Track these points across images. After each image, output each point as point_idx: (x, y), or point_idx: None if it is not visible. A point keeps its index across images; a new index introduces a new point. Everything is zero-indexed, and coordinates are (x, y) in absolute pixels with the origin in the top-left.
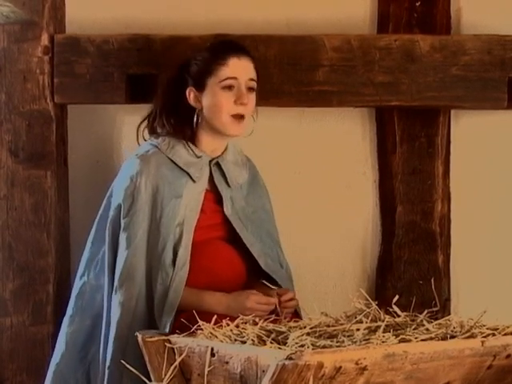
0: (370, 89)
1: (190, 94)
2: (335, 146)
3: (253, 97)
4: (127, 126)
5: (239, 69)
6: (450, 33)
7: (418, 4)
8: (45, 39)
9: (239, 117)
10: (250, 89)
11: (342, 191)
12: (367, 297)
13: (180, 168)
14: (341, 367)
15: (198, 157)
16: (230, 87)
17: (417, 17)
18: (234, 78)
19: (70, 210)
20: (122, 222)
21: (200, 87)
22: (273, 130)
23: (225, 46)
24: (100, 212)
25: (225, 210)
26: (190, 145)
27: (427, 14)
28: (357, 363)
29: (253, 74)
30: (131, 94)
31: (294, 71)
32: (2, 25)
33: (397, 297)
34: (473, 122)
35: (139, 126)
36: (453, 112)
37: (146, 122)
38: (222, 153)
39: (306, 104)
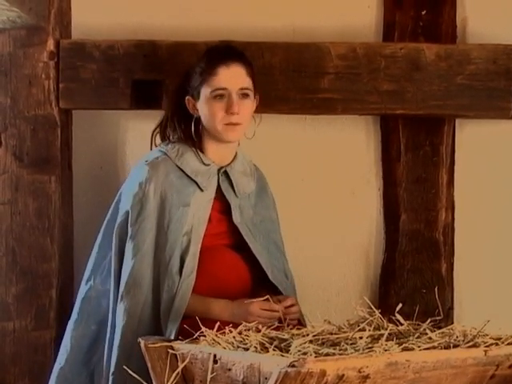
0: (374, 97)
1: (189, 103)
2: (339, 153)
3: (247, 103)
4: (132, 132)
5: (228, 78)
6: (455, 42)
7: (423, 13)
8: (50, 44)
9: (233, 124)
10: (244, 95)
11: (345, 199)
12: (370, 305)
13: (188, 176)
14: (343, 375)
15: (207, 165)
16: (221, 96)
17: (422, 25)
18: (224, 89)
19: (74, 215)
20: (130, 229)
21: (196, 96)
22: (277, 136)
23: (216, 54)
24: (107, 217)
25: (233, 218)
26: (199, 152)
27: (433, 22)
28: (359, 371)
29: (244, 82)
30: (136, 100)
31: (299, 78)
32: (8, 30)
33: (400, 305)
34: (477, 131)
35: (153, 132)
36: (458, 121)
37: (159, 128)
38: (231, 162)
39: (311, 111)
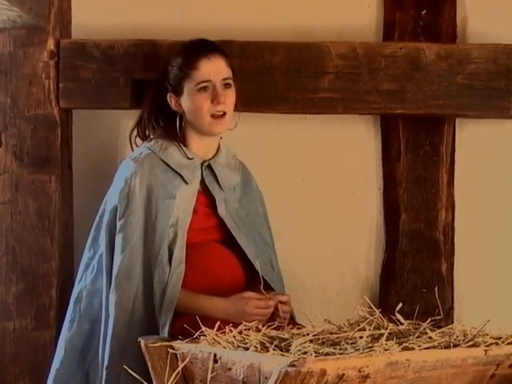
0: (375, 96)
1: (171, 100)
2: (340, 153)
3: (230, 92)
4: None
5: (211, 70)
6: (455, 41)
7: (423, 12)
8: (51, 44)
9: (220, 115)
10: (227, 85)
11: (346, 198)
12: (371, 304)
13: (173, 169)
14: (343, 375)
15: (190, 158)
16: (205, 88)
17: (422, 25)
18: (208, 81)
19: (74, 215)
20: (118, 223)
21: (178, 92)
22: (278, 136)
23: (194, 49)
24: (96, 219)
25: (219, 210)
26: (182, 146)
27: (433, 22)
28: (359, 371)
29: (226, 73)
30: (136, 100)
31: (299, 78)
32: (9, 29)
33: (400, 305)
34: (477, 130)
35: (131, 133)
36: (458, 120)
37: (136, 128)
38: (214, 155)
39: (311, 111)
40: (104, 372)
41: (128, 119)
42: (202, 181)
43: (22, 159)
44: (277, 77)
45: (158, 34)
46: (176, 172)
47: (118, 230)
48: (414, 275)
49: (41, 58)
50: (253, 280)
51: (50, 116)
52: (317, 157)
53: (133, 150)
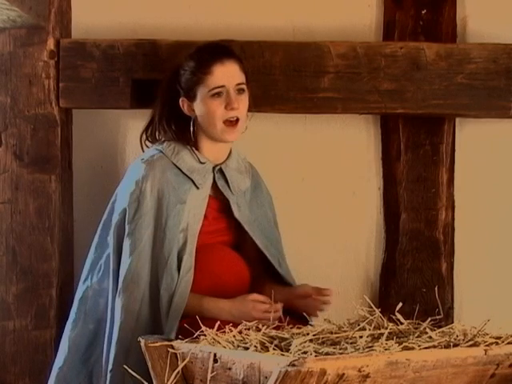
0: (375, 96)
1: (184, 105)
2: (340, 152)
3: (244, 98)
4: (132, 131)
5: (225, 75)
6: (455, 41)
7: (423, 12)
8: (51, 43)
9: (233, 121)
10: (240, 90)
11: (346, 198)
12: (371, 304)
13: (184, 174)
14: (343, 374)
15: (202, 163)
16: (218, 94)
17: (422, 25)
18: (222, 86)
19: (74, 215)
20: (127, 226)
21: (191, 97)
22: (278, 136)
23: (208, 53)
24: (104, 217)
25: (235, 214)
26: (195, 150)
27: (433, 21)
28: (359, 370)
29: (240, 78)
30: (136, 99)
31: (299, 78)
32: (9, 29)
33: (400, 304)
34: (478, 130)
35: (142, 134)
36: (458, 120)
37: (146, 131)
38: (226, 159)
39: (311, 110)
40: (108, 375)
41: (128, 119)
42: (214, 185)
43: (21, 159)
44: (277, 76)
45: (159, 34)
46: (187, 176)
47: (126, 233)
48: (413, 275)
49: (41, 58)
50: (263, 281)
51: (50, 116)
52: (317, 156)
53: (143, 151)
